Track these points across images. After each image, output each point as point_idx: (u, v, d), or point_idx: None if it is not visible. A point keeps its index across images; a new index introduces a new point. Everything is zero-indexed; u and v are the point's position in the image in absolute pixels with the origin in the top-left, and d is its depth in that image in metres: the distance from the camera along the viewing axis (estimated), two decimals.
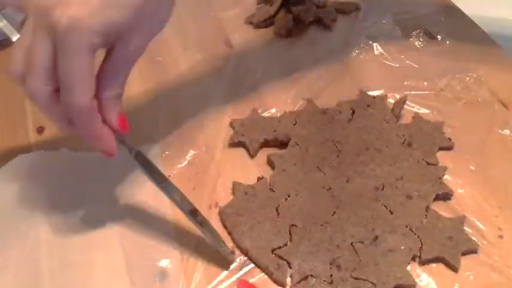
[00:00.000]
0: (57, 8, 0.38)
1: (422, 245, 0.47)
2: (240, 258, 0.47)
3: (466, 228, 0.48)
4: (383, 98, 0.59)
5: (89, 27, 0.38)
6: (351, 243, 0.47)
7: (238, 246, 0.47)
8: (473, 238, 0.47)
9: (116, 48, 0.42)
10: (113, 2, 0.39)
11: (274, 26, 0.70)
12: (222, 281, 0.46)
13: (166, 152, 0.55)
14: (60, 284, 0.45)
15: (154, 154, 0.55)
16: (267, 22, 0.71)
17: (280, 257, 0.46)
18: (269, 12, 0.70)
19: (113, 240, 0.48)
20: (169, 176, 0.53)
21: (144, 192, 0.52)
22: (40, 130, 0.59)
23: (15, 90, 0.63)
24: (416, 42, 0.68)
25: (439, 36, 0.69)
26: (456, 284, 0.45)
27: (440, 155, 0.54)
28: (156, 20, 0.44)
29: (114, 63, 0.43)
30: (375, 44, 0.68)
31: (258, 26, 0.71)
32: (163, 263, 0.47)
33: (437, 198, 0.50)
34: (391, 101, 0.60)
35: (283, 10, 0.71)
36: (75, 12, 0.38)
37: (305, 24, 0.70)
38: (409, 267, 0.46)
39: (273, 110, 0.60)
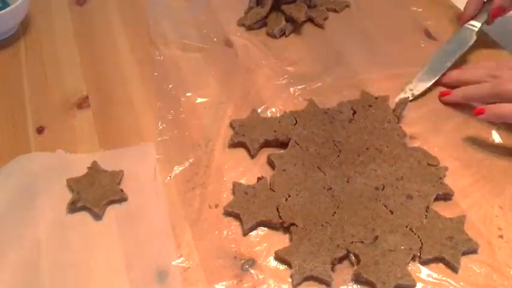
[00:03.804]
0: None
1: (422, 245, 0.47)
2: (242, 260, 0.47)
3: (466, 228, 0.48)
4: (385, 98, 0.59)
5: None
6: (351, 243, 0.47)
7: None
8: (473, 238, 0.47)
9: None
10: None
11: (267, 26, 0.70)
12: (222, 280, 0.46)
13: (167, 152, 0.55)
14: (59, 284, 0.45)
15: (154, 154, 0.55)
16: (260, 23, 0.71)
17: (281, 257, 0.46)
18: (261, 14, 0.70)
19: (112, 240, 0.48)
20: (169, 176, 0.53)
21: (144, 192, 0.52)
22: (40, 130, 0.58)
23: (15, 90, 0.63)
24: (417, 42, 0.68)
25: (439, 36, 0.69)
26: (456, 284, 0.45)
27: (441, 155, 0.54)
28: None
29: None
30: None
31: (250, 27, 0.71)
32: (163, 263, 0.47)
33: (438, 198, 0.51)
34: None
35: (274, 11, 0.71)
36: None
37: (298, 24, 0.70)
38: (409, 267, 0.46)
39: (273, 110, 0.60)
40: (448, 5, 0.74)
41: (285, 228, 0.49)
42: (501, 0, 0.65)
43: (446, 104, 0.60)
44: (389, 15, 0.73)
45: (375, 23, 0.72)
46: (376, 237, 0.47)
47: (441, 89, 0.62)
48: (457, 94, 0.60)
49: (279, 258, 0.47)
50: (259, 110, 0.59)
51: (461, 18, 0.68)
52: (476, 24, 0.67)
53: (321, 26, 0.71)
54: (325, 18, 0.72)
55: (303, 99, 0.60)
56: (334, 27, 0.71)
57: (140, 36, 0.70)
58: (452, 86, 0.61)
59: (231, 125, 0.57)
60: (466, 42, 0.65)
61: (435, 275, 0.46)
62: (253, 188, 0.51)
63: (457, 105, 0.60)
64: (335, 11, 0.73)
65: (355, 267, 0.46)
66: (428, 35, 0.69)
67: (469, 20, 0.67)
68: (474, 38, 0.66)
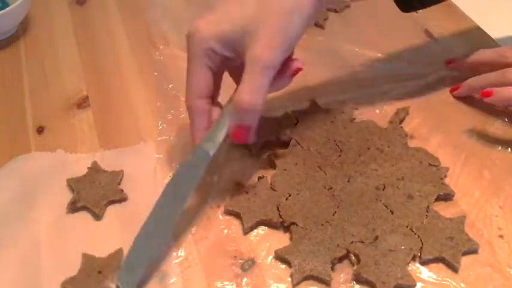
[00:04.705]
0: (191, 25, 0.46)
1: (422, 245, 0.46)
2: (242, 260, 0.47)
3: (466, 229, 0.48)
4: None
5: (203, 35, 0.45)
6: (351, 243, 0.47)
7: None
8: (474, 238, 0.47)
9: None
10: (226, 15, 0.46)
11: None
12: (222, 280, 0.46)
13: (167, 152, 0.55)
14: (59, 284, 0.45)
15: (154, 154, 0.55)
16: None
17: (281, 257, 0.46)
18: None
19: (112, 240, 0.48)
20: (169, 176, 0.53)
21: (144, 192, 0.52)
22: (40, 130, 0.58)
23: (15, 90, 0.63)
24: (417, 42, 0.68)
25: (439, 36, 0.69)
26: (456, 284, 0.45)
27: (441, 155, 0.54)
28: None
29: (244, 73, 0.45)
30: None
31: None
32: (163, 263, 0.47)
33: (438, 198, 0.50)
34: None
35: None
36: (197, 23, 0.46)
37: None
38: (409, 267, 0.46)
39: (274, 110, 0.59)
40: (449, 5, 0.74)
41: (285, 227, 0.49)
42: (235, 119, 0.46)
43: (457, 98, 0.60)
44: (389, 15, 0.73)
45: (375, 23, 0.72)
46: (377, 237, 0.47)
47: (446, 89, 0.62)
48: (464, 87, 0.59)
49: (279, 257, 0.47)
50: None
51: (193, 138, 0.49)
52: (207, 149, 0.47)
53: (321, 26, 0.71)
54: (325, 18, 0.72)
55: (304, 99, 0.60)
56: (334, 27, 0.71)
57: (140, 36, 0.70)
58: (463, 70, 0.61)
59: None
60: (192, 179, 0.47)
61: (435, 275, 0.46)
62: (253, 187, 0.51)
63: (459, 107, 0.60)
64: (335, 11, 0.74)
65: (355, 267, 0.46)
66: (429, 35, 0.69)
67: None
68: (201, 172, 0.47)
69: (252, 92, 0.45)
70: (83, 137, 0.58)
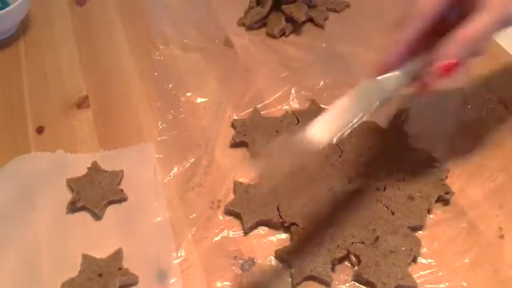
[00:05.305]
0: None
1: None
2: (242, 260, 0.47)
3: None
4: None
5: None
6: (352, 243, 0.47)
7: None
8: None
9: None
10: None
11: (267, 26, 0.70)
12: (222, 280, 0.45)
13: (167, 152, 0.55)
14: (59, 284, 0.45)
15: (154, 154, 0.55)
16: (260, 23, 0.71)
17: (281, 257, 0.46)
18: (261, 14, 0.70)
19: (112, 240, 0.48)
20: (169, 176, 0.53)
21: (144, 192, 0.52)
22: (40, 130, 0.58)
23: (15, 90, 0.63)
24: None
25: None
26: (457, 284, 0.45)
27: (442, 156, 0.54)
28: None
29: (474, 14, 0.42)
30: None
31: (250, 27, 0.71)
32: (163, 263, 0.47)
33: (439, 199, 0.50)
34: None
35: (275, 11, 0.71)
36: None
37: (298, 24, 0.70)
38: (410, 268, 0.46)
39: (275, 110, 0.59)
40: None
41: (286, 227, 0.48)
42: (454, 49, 0.43)
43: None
44: (389, 15, 0.73)
45: (375, 23, 0.72)
46: (377, 238, 0.47)
47: None
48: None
49: (279, 257, 0.47)
50: (259, 108, 0.59)
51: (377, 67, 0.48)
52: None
53: (321, 26, 0.71)
54: (325, 18, 0.72)
55: (304, 99, 0.60)
56: (334, 27, 0.71)
57: (140, 36, 0.70)
58: None
59: (233, 125, 0.57)
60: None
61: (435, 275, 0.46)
62: (254, 187, 0.51)
63: (458, 106, 0.60)
64: (335, 11, 0.74)
65: (356, 267, 0.46)
66: None
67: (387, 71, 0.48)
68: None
69: (479, 30, 0.43)
70: (83, 137, 0.58)
